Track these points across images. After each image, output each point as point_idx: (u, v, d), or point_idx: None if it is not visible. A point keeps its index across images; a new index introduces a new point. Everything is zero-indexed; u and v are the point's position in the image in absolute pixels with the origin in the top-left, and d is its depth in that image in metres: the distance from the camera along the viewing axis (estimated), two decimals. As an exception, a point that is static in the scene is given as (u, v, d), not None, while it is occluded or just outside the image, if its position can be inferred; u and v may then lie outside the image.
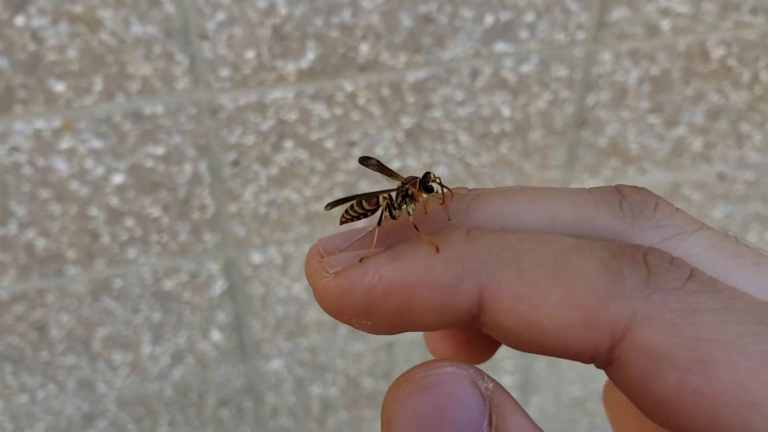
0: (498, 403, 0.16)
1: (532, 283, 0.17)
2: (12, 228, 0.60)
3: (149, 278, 0.66)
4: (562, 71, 0.64)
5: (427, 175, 0.21)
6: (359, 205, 0.22)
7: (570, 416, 0.93)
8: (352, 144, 0.63)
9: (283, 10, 0.54)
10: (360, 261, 0.18)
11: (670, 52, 0.65)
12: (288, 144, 0.61)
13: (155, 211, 0.62)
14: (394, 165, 0.65)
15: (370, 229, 0.20)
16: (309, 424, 0.83)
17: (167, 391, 0.75)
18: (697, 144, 0.73)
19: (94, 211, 0.61)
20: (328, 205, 0.22)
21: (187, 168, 0.60)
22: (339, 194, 0.66)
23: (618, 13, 0.62)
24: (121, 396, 0.74)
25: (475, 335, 0.23)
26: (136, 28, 0.53)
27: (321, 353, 0.77)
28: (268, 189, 0.64)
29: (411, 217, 0.20)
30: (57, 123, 0.55)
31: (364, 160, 0.24)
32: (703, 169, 0.75)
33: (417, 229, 0.19)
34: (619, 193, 0.19)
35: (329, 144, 0.62)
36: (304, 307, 0.73)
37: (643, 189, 0.19)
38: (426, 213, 0.20)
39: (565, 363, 0.88)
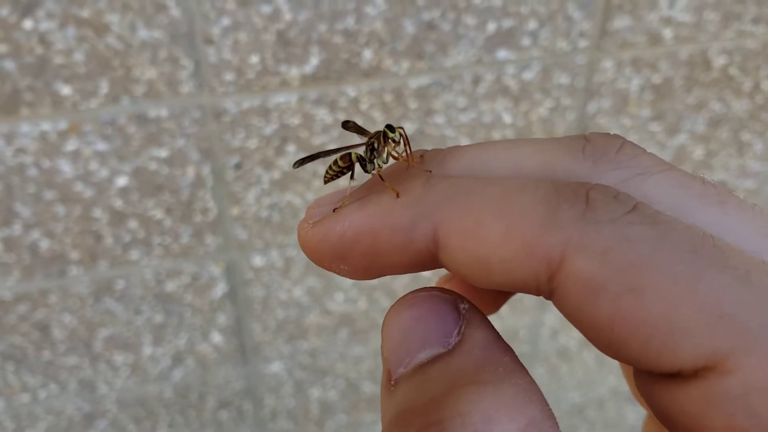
0: (469, 318, 0.19)
1: (477, 219, 0.18)
2: (17, 229, 0.60)
3: (151, 280, 0.66)
4: (564, 79, 0.64)
5: (388, 126, 0.22)
6: (335, 164, 0.24)
7: (570, 423, 0.94)
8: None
9: (287, 16, 0.55)
10: (334, 211, 0.20)
11: (672, 60, 0.66)
12: (290, 148, 0.62)
13: (158, 214, 0.63)
14: (396, 170, 0.65)
15: (355, 185, 0.23)
16: (308, 427, 0.83)
17: (167, 393, 0.75)
18: (698, 152, 0.73)
19: (97, 212, 0.61)
20: (296, 163, 0.25)
21: (191, 171, 0.61)
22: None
23: (620, 22, 0.62)
24: (121, 397, 0.74)
25: (479, 293, 0.24)
26: (143, 33, 0.53)
27: (321, 356, 0.77)
28: (270, 192, 0.64)
29: (378, 169, 0.22)
30: (63, 125, 0.56)
31: (344, 124, 0.26)
32: (703, 177, 0.75)
33: (382, 179, 0.21)
34: (585, 139, 0.20)
35: (331, 148, 0.63)
36: (304, 310, 0.73)
37: (611, 135, 0.20)
38: (409, 165, 0.22)
39: (564, 369, 0.89)
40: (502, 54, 0.61)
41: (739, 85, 0.69)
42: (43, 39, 0.52)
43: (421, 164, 0.21)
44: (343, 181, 0.24)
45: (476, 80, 0.62)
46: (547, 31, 0.61)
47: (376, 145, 0.23)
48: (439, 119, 0.63)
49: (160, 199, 0.62)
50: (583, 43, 0.63)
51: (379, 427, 0.86)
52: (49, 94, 0.54)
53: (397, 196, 0.19)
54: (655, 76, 0.66)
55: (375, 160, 0.23)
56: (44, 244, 0.62)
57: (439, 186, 0.19)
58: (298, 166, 0.25)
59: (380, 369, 0.85)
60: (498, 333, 0.19)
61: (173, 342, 0.72)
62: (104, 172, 0.59)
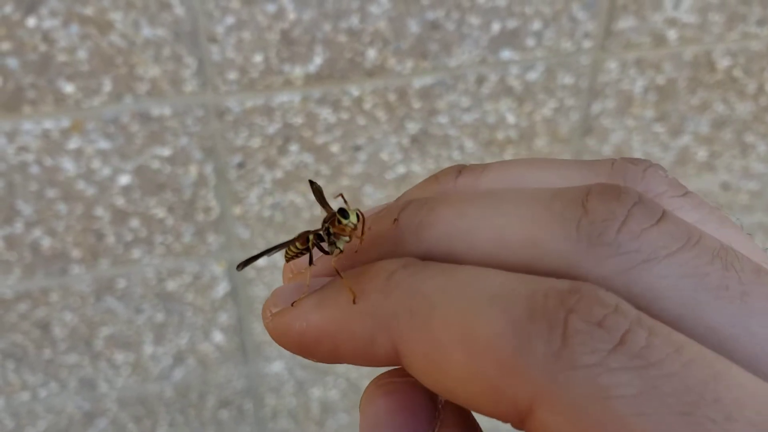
0: (444, 417, 0.17)
1: (438, 345, 0.15)
2: (18, 227, 0.60)
3: (153, 279, 0.66)
4: (568, 79, 0.64)
5: (341, 212, 0.20)
6: (294, 246, 0.22)
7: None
8: (357, 148, 0.63)
9: (291, 15, 0.55)
10: (293, 305, 0.19)
11: (676, 61, 0.66)
12: (293, 147, 0.62)
13: (160, 212, 0.62)
14: (398, 170, 0.65)
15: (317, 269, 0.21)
16: (309, 427, 0.83)
17: (168, 392, 0.75)
18: (701, 153, 0.73)
19: (99, 211, 0.61)
20: (239, 265, 0.23)
21: (193, 170, 0.61)
22: (346, 197, 0.66)
23: (625, 23, 0.62)
24: (122, 396, 0.74)
25: None
26: (146, 31, 0.53)
27: (322, 356, 0.77)
28: (272, 192, 0.64)
29: (334, 261, 0.20)
30: (65, 123, 0.56)
31: (312, 184, 0.24)
32: (707, 178, 0.75)
33: (339, 274, 0.19)
34: (583, 207, 0.16)
35: (334, 148, 0.62)
36: (306, 309, 0.73)
37: (618, 195, 0.16)
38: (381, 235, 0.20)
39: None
40: (506, 54, 0.61)
41: (743, 87, 0.69)
42: (47, 36, 0.52)
43: (395, 229, 0.19)
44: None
45: (480, 80, 0.62)
46: (551, 31, 0.61)
47: (330, 230, 0.20)
48: (443, 119, 0.63)
49: (162, 198, 0.61)
50: (587, 44, 0.62)
51: (379, 427, 0.86)
52: (51, 92, 0.54)
53: (354, 300, 0.17)
54: (659, 77, 0.66)
55: (334, 243, 0.20)
56: (46, 243, 0.61)
57: (398, 292, 0.17)
58: (241, 268, 0.23)
59: (381, 369, 0.85)
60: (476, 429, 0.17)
61: (174, 341, 0.71)
62: (106, 171, 0.59)
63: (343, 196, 0.22)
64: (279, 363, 0.76)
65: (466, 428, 0.18)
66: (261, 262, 0.68)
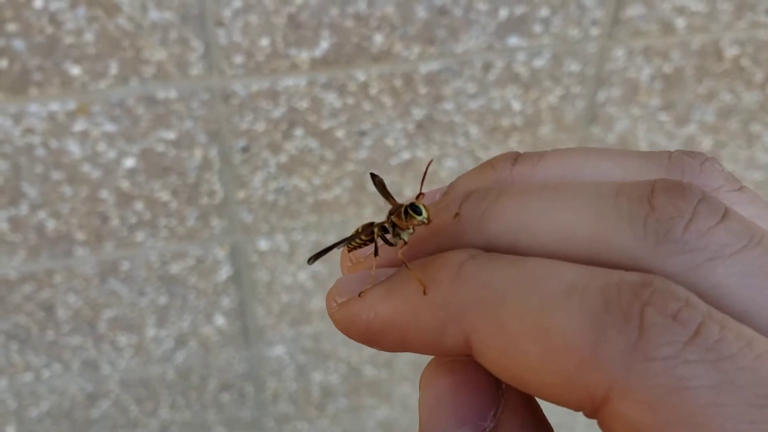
0: (508, 397, 0.18)
1: (513, 337, 0.16)
2: (23, 209, 0.60)
3: (156, 262, 0.66)
4: (574, 66, 0.64)
5: (413, 208, 0.20)
6: (358, 238, 0.22)
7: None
8: (362, 134, 0.63)
9: (299, -1, 0.54)
10: (360, 295, 0.19)
11: (684, 50, 0.65)
12: (298, 132, 0.61)
13: (164, 196, 0.62)
14: (403, 156, 0.65)
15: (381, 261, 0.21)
16: (309, 411, 0.84)
17: (170, 374, 0.75)
18: (707, 143, 0.73)
19: (104, 193, 0.61)
20: (310, 259, 0.24)
21: (198, 153, 0.60)
22: (348, 184, 0.66)
23: (633, 10, 0.62)
24: (124, 377, 0.74)
25: None
26: (153, 14, 0.53)
27: (324, 341, 0.78)
28: (277, 176, 0.64)
29: (400, 253, 0.20)
30: (71, 106, 0.55)
31: (373, 177, 0.24)
32: (711, 168, 0.75)
33: (407, 266, 0.19)
34: (649, 203, 0.16)
35: (340, 133, 0.62)
36: (308, 294, 0.73)
37: (683, 193, 0.17)
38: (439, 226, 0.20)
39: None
40: (514, 41, 0.61)
41: (751, 77, 0.69)
42: (54, 18, 0.51)
43: (456, 224, 0.19)
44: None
45: (487, 67, 0.62)
46: (559, 18, 0.61)
47: (396, 221, 0.20)
48: (449, 105, 0.63)
49: (166, 181, 0.61)
50: (594, 31, 0.62)
51: (379, 411, 0.86)
52: (58, 74, 0.54)
53: (424, 291, 0.17)
54: (666, 65, 0.66)
55: (399, 234, 0.20)
56: (50, 225, 0.61)
57: (470, 283, 0.17)
58: (312, 262, 0.24)
59: (382, 354, 0.85)
60: (540, 418, 0.18)
61: (177, 324, 0.72)
62: (112, 154, 0.59)
63: (428, 165, 0.23)
64: (280, 347, 0.76)
65: (528, 409, 0.18)
66: (263, 246, 0.68)
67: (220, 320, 0.73)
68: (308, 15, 0.55)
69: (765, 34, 0.66)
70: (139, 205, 0.62)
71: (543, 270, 0.16)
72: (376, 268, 0.20)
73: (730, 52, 0.66)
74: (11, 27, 0.51)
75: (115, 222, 0.63)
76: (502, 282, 0.16)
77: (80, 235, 0.63)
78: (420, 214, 0.20)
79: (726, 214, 0.16)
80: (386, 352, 0.18)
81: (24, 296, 0.65)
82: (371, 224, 0.22)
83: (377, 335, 0.18)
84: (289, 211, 0.66)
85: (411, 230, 0.20)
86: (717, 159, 0.19)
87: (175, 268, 0.67)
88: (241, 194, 0.64)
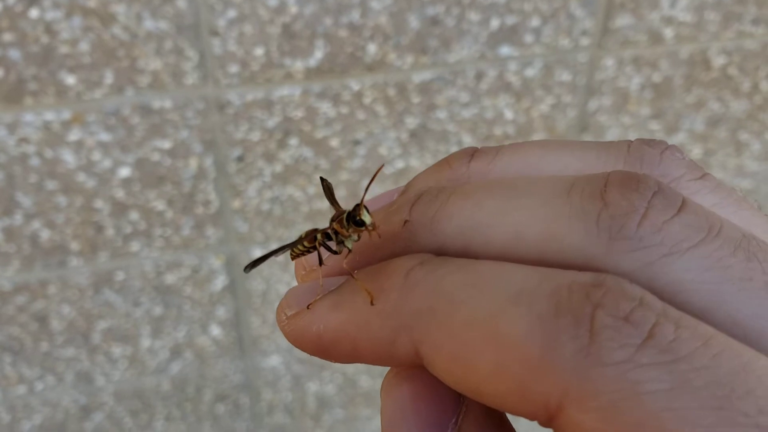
0: (470, 404, 0.17)
1: (463, 345, 0.15)
2: (18, 218, 0.60)
3: (151, 272, 0.66)
4: (565, 76, 0.65)
5: (351, 216, 0.19)
6: (302, 245, 0.21)
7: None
8: (356, 143, 0.63)
9: (293, 9, 0.55)
10: (308, 307, 0.18)
11: (673, 59, 0.66)
12: (293, 141, 0.62)
13: (159, 205, 0.63)
14: (397, 165, 0.66)
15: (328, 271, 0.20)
16: (305, 422, 0.84)
17: (165, 386, 0.75)
18: (696, 151, 0.74)
19: (99, 203, 0.61)
20: (247, 267, 0.23)
21: (193, 163, 0.61)
22: (342, 193, 0.66)
23: (622, 20, 0.63)
24: (118, 389, 0.74)
25: None
26: (148, 23, 0.53)
27: (319, 351, 0.77)
28: (272, 185, 0.64)
29: (345, 262, 0.19)
30: (66, 115, 0.56)
31: (322, 180, 0.24)
32: (701, 176, 0.76)
33: (352, 275, 0.18)
34: (602, 199, 0.16)
35: (334, 142, 0.63)
36: (303, 304, 0.73)
37: (638, 185, 0.16)
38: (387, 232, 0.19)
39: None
40: (505, 50, 0.62)
41: (738, 85, 0.70)
42: (49, 28, 0.52)
43: (406, 229, 0.18)
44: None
45: (479, 76, 0.62)
46: (549, 28, 0.61)
47: (338, 228, 0.20)
48: (442, 114, 0.63)
49: (161, 191, 0.62)
50: (584, 41, 0.63)
51: (374, 422, 0.86)
52: (53, 84, 0.54)
53: (372, 301, 0.17)
54: (655, 74, 0.67)
55: (342, 242, 0.20)
56: (45, 235, 0.62)
57: (417, 291, 0.16)
58: (249, 270, 0.23)
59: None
60: (504, 424, 0.17)
61: (172, 334, 0.72)
62: (107, 163, 0.59)
63: (379, 169, 0.21)
64: (276, 357, 0.76)
65: (490, 416, 0.17)
66: (260, 254, 0.68)
67: (215, 330, 0.73)
68: (302, 25, 0.56)
69: (752, 43, 0.67)
70: (134, 215, 0.62)
71: (492, 274, 0.16)
72: (326, 277, 0.19)
73: (718, 61, 0.67)
74: (7, 36, 0.51)
75: (109, 232, 0.63)
76: (450, 288, 0.16)
77: (75, 245, 0.63)
78: (360, 224, 0.19)
79: (683, 205, 0.16)
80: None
81: (17, 307, 0.65)
82: (315, 230, 0.21)
83: (328, 347, 0.18)
84: (284, 221, 0.67)
85: (356, 237, 0.19)
86: (678, 147, 0.19)
87: (170, 278, 0.67)
88: (236, 203, 0.64)
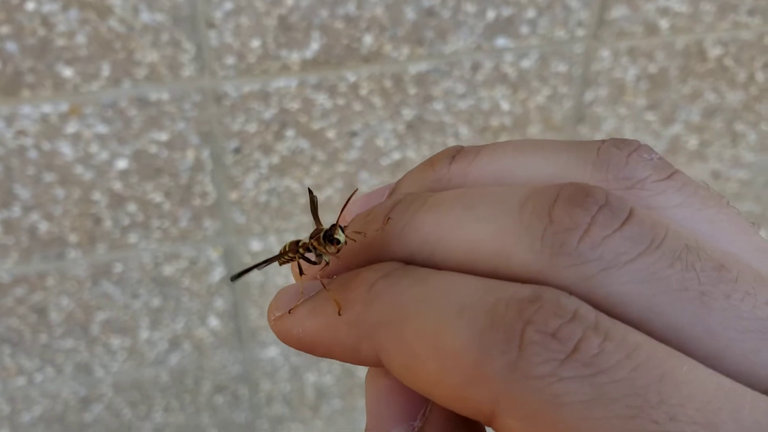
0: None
1: (412, 355, 0.17)
2: (16, 211, 0.60)
3: (149, 263, 0.67)
4: (561, 67, 0.65)
5: (327, 235, 0.21)
6: (286, 255, 0.24)
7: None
8: (353, 134, 0.64)
9: (289, 1, 0.55)
10: (290, 311, 0.20)
11: (668, 50, 0.66)
12: (290, 133, 0.62)
13: (157, 197, 0.63)
14: (394, 156, 0.66)
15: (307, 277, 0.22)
16: (303, 412, 0.84)
17: (163, 377, 0.76)
18: (692, 142, 0.74)
19: (97, 195, 0.61)
20: (233, 277, 0.25)
21: (190, 154, 0.61)
22: (339, 185, 0.66)
23: (618, 12, 0.63)
24: (117, 381, 0.74)
25: None
26: (145, 16, 0.53)
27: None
28: (269, 177, 0.64)
29: (319, 274, 0.21)
30: (64, 107, 0.56)
31: (310, 192, 0.26)
32: (697, 166, 0.76)
33: (324, 286, 0.20)
34: (549, 216, 0.17)
35: (331, 134, 0.63)
36: (301, 295, 0.74)
37: (584, 201, 0.17)
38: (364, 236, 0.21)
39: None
40: (501, 42, 0.62)
41: (734, 76, 0.70)
42: (46, 21, 0.52)
43: (380, 237, 0.20)
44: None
45: (475, 67, 0.62)
46: (545, 19, 0.62)
47: (315, 244, 0.22)
48: (438, 106, 0.64)
49: (159, 183, 0.62)
50: (580, 32, 0.63)
51: (373, 413, 0.86)
52: (50, 76, 0.54)
53: (339, 311, 0.19)
54: (651, 65, 0.67)
55: (321, 255, 0.22)
56: (43, 227, 0.62)
57: (378, 303, 0.18)
58: (235, 280, 0.25)
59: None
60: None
61: (170, 326, 0.72)
62: (104, 155, 0.59)
63: (352, 195, 0.23)
64: (274, 348, 0.77)
65: (450, 413, 0.19)
66: (256, 247, 0.68)
67: (213, 322, 0.73)
68: (299, 16, 0.56)
69: (747, 34, 0.67)
70: (131, 207, 0.63)
71: (444, 287, 0.17)
72: (311, 280, 0.21)
73: (714, 52, 0.68)
74: (3, 29, 0.52)
75: (107, 224, 0.63)
76: (406, 301, 0.17)
77: (73, 237, 0.63)
78: (334, 242, 0.21)
79: (629, 218, 0.16)
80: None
81: (16, 299, 0.65)
82: (297, 242, 0.23)
83: (308, 347, 0.20)
84: (281, 212, 0.67)
85: (333, 251, 0.21)
86: (648, 147, 0.19)
87: (168, 270, 0.68)
88: (233, 195, 0.65)
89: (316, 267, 0.22)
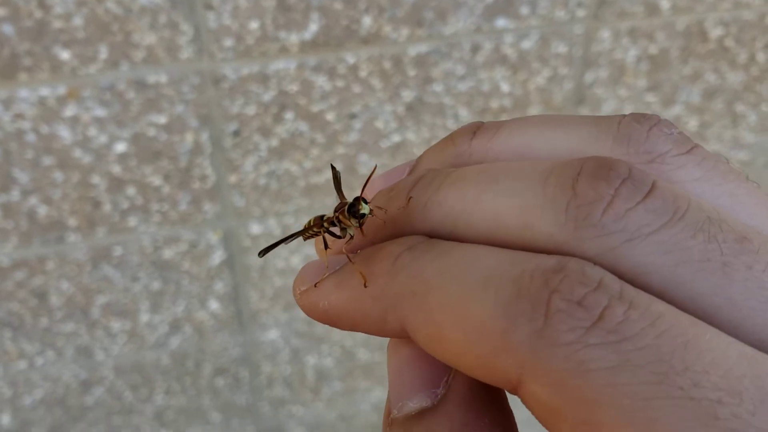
0: None
1: (437, 325, 0.17)
2: (15, 195, 0.60)
3: (149, 247, 0.67)
4: (561, 48, 0.64)
5: (350, 208, 0.21)
6: (311, 229, 0.24)
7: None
8: (352, 116, 0.63)
9: (287, -18, 0.55)
10: (315, 285, 0.21)
11: (669, 31, 0.66)
12: (289, 115, 0.62)
13: (156, 180, 0.63)
14: (393, 139, 0.66)
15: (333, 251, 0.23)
16: (304, 394, 0.84)
17: (164, 360, 0.76)
18: (692, 123, 0.74)
19: (96, 179, 0.61)
20: (260, 252, 0.26)
21: (189, 137, 0.61)
22: (338, 168, 0.66)
23: (619, -9, 0.62)
24: (118, 364, 0.75)
25: None
26: (142, -3, 0.53)
27: (317, 324, 0.78)
28: (268, 160, 0.64)
29: (344, 247, 0.22)
30: (61, 90, 0.56)
31: (333, 168, 0.26)
32: (697, 148, 0.76)
33: (350, 259, 0.21)
34: (572, 189, 0.17)
35: (330, 116, 0.63)
36: (301, 278, 0.74)
37: (607, 174, 0.17)
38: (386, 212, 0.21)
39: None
40: (501, 22, 0.61)
41: (735, 57, 0.69)
42: (42, 3, 0.51)
43: (403, 213, 0.20)
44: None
45: (475, 48, 0.62)
46: (545, 0, 0.61)
47: (341, 218, 0.22)
48: (438, 87, 0.63)
49: (158, 166, 0.62)
50: (581, 13, 0.63)
51: (373, 393, 0.87)
52: (47, 59, 0.54)
53: (365, 283, 0.19)
54: (651, 46, 0.67)
55: (345, 229, 0.22)
56: (42, 211, 0.62)
57: (403, 275, 0.18)
58: (263, 255, 0.26)
59: (375, 337, 0.86)
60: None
61: (171, 309, 0.72)
62: (103, 138, 0.59)
63: (372, 171, 0.23)
64: (274, 331, 0.77)
65: (474, 380, 0.19)
66: (256, 230, 0.68)
67: (213, 305, 0.73)
68: (297, -2, 0.56)
69: (748, 14, 0.67)
70: (131, 190, 0.62)
71: (468, 259, 0.17)
72: (336, 255, 0.22)
73: (715, 32, 0.67)
74: (0, 11, 0.51)
75: (107, 207, 0.63)
76: (430, 273, 0.18)
77: (72, 221, 0.63)
78: (358, 216, 0.21)
79: (651, 190, 0.17)
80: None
81: (16, 283, 0.65)
82: (321, 217, 0.24)
83: (334, 320, 0.20)
84: (281, 195, 0.67)
85: (356, 224, 0.21)
86: (668, 122, 0.20)
87: (168, 253, 0.68)
88: (232, 178, 0.64)
89: (340, 242, 0.22)
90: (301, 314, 0.76)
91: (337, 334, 0.79)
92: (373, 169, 0.23)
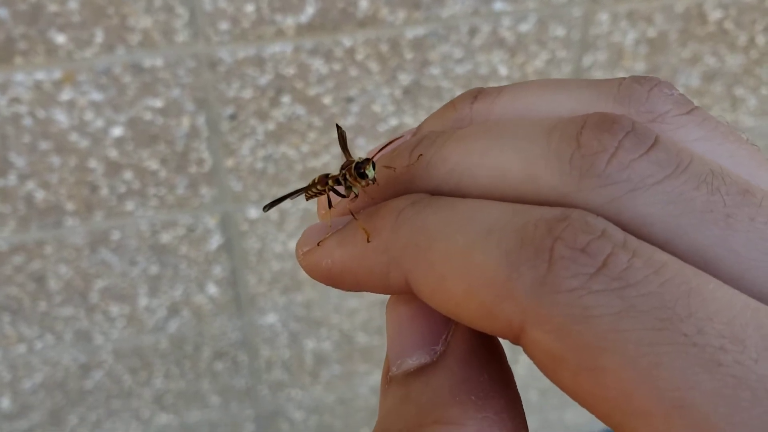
0: (458, 322, 0.19)
1: (440, 276, 0.17)
2: (12, 179, 0.60)
3: (146, 231, 0.67)
4: (559, 31, 0.64)
5: (357, 168, 0.21)
6: (315, 187, 0.24)
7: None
8: (349, 100, 0.63)
9: (283, -36, 0.54)
10: (319, 244, 0.21)
11: (668, 13, 0.66)
12: (285, 99, 0.62)
13: (153, 164, 0.63)
14: (391, 122, 0.65)
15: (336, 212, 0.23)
16: (302, 378, 0.85)
17: (163, 344, 0.76)
18: (691, 106, 0.73)
19: (93, 163, 0.61)
20: (265, 206, 0.26)
21: (186, 121, 0.61)
22: (336, 151, 0.66)
23: (617, -26, 0.62)
24: (117, 347, 0.75)
25: None
26: (137, -20, 0.52)
27: (315, 308, 0.78)
28: (265, 144, 0.64)
29: (349, 204, 0.22)
30: (57, 75, 0.55)
31: (338, 127, 0.26)
32: (696, 131, 0.75)
33: (354, 216, 0.21)
34: (576, 141, 0.17)
35: (327, 100, 0.63)
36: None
37: (611, 126, 0.17)
38: (395, 170, 0.21)
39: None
40: (499, 5, 0.61)
41: (734, 40, 0.69)
42: (37, -15, 0.51)
43: (407, 171, 0.20)
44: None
45: (472, 31, 0.62)
46: (544, -18, 0.61)
47: (347, 177, 0.22)
48: (435, 70, 0.63)
49: (155, 150, 0.62)
50: (579, -5, 0.62)
51: (372, 377, 0.87)
52: (43, 43, 0.54)
53: (368, 238, 0.19)
54: (650, 29, 0.66)
55: (350, 187, 0.22)
56: (39, 195, 0.62)
57: (406, 228, 0.18)
58: (267, 209, 0.25)
59: (374, 320, 0.86)
60: (490, 340, 0.19)
61: (169, 293, 0.72)
62: (99, 123, 0.59)
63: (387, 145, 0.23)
64: (273, 315, 0.77)
65: (476, 333, 0.19)
66: (253, 214, 0.68)
67: (212, 289, 0.73)
68: (293, -20, 0.55)
69: (748, -4, 0.67)
70: (128, 174, 0.62)
71: (471, 211, 0.17)
72: (338, 217, 0.22)
73: (714, 15, 0.67)
74: (-5, -5, 0.51)
75: (104, 191, 0.63)
76: (433, 225, 0.18)
77: (70, 206, 0.63)
78: (364, 176, 0.21)
79: (655, 143, 0.17)
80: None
81: (15, 267, 0.66)
82: (326, 176, 0.24)
83: (336, 278, 0.20)
84: (278, 179, 0.67)
85: (363, 183, 0.22)
86: (668, 83, 0.20)
87: (165, 238, 0.68)
88: (229, 162, 0.64)
89: (344, 202, 0.22)
90: (299, 298, 0.77)
91: (335, 317, 0.80)
92: (397, 137, 0.23)
